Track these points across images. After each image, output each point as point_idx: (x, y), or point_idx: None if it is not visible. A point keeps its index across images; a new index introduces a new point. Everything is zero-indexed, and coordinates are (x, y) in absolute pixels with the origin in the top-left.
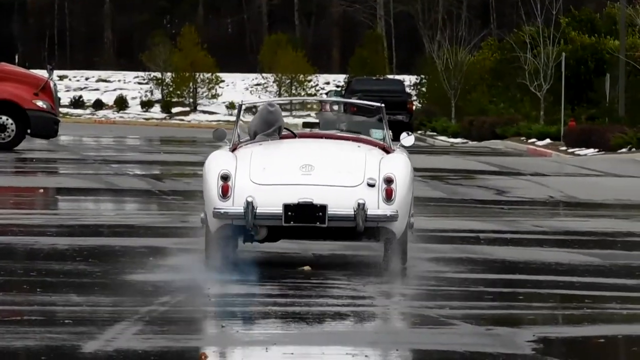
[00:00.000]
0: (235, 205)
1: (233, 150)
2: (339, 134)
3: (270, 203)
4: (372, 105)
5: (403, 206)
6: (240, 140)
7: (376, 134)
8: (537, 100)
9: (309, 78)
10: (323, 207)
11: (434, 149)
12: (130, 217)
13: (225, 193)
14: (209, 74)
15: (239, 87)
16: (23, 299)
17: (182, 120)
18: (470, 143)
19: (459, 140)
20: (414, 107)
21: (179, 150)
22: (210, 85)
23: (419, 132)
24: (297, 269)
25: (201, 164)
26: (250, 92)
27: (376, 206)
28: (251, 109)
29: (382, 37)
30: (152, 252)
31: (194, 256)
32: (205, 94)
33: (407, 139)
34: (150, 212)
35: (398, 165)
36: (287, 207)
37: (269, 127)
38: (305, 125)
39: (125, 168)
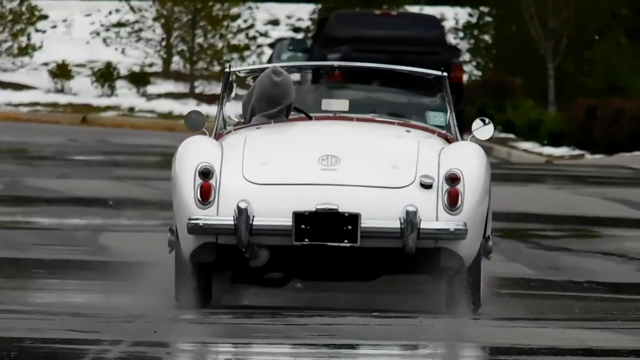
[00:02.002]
0: (221, 213)
1: (217, 138)
2: (377, 118)
3: (274, 211)
4: (429, 74)
5: (475, 218)
6: (228, 127)
7: (435, 118)
8: None
9: (234, 11)
10: (354, 217)
11: (510, 170)
12: None
13: (205, 196)
14: (16, 2)
15: (80, 32)
16: None
17: None
18: (589, 157)
19: (563, 150)
20: (464, 77)
21: None
22: (19, 27)
23: None
24: None
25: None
26: (105, 41)
27: (434, 216)
28: (244, 80)
29: None
30: None
31: None
32: (6, 46)
33: (483, 129)
34: None
35: (468, 158)
36: (299, 216)
37: (272, 106)
38: (327, 104)
39: None
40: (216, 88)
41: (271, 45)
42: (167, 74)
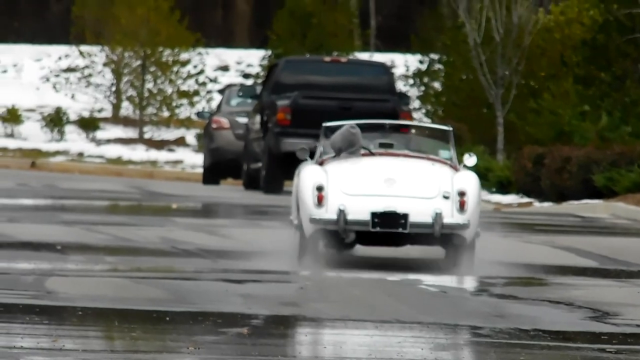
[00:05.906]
0: (328, 212)
1: (320, 164)
2: (411, 154)
3: (359, 211)
4: (440, 129)
5: (473, 216)
6: (324, 157)
7: (443, 154)
8: None
9: (183, 57)
10: (405, 215)
11: None
12: None
13: (320, 202)
14: None
15: (29, 76)
16: None
17: None
18: (538, 205)
19: (511, 198)
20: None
21: None
22: None
23: None
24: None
25: None
26: (55, 86)
27: (451, 215)
28: (333, 129)
29: None
30: None
31: None
32: None
33: (470, 159)
34: None
35: (469, 181)
36: (374, 214)
37: (350, 146)
38: (381, 145)
39: None
40: (165, 134)
41: (220, 92)
42: (116, 119)
